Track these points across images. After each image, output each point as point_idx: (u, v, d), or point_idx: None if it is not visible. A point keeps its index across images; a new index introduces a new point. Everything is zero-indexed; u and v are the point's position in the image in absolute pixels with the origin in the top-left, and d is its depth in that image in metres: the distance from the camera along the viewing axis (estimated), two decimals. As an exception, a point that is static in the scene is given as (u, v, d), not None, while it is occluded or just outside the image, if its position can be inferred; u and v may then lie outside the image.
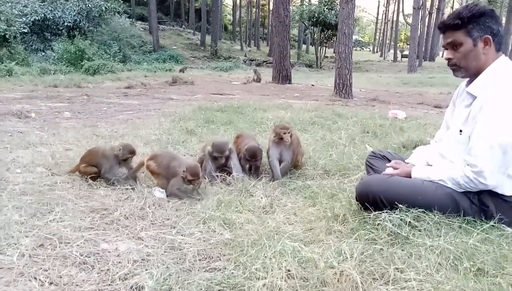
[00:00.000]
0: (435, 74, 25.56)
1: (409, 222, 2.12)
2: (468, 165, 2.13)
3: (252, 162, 3.41)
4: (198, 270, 1.88)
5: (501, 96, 2.08)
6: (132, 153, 3.17)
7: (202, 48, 36.73)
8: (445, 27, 2.27)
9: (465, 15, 2.18)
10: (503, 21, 35.78)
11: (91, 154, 3.25)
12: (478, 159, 2.08)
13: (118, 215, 2.49)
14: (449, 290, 1.60)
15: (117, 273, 1.81)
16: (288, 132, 3.37)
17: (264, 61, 33.20)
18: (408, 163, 2.61)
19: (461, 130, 2.27)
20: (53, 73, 16.19)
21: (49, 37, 22.98)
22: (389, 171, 2.48)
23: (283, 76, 15.01)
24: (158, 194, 2.91)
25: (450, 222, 2.14)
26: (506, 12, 32.81)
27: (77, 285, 1.73)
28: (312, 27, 31.93)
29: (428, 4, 40.01)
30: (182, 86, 13.08)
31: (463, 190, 2.20)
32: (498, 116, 2.07)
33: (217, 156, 3.29)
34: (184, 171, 2.87)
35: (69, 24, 22.40)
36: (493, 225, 2.10)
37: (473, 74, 2.29)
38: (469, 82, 2.34)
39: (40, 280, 1.75)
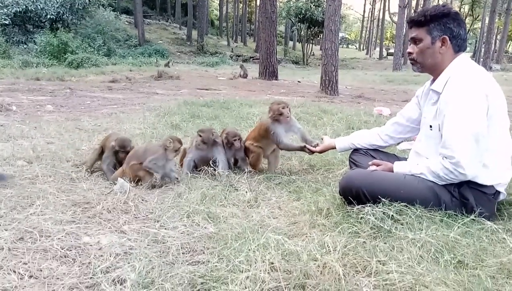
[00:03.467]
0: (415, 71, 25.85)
1: (392, 215, 2.15)
2: (445, 157, 2.18)
3: (233, 145, 3.32)
4: (182, 263, 1.86)
5: (463, 88, 2.16)
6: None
7: (188, 43, 36.48)
8: (411, 22, 2.40)
9: (430, 13, 2.30)
10: (486, 21, 36.43)
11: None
12: (454, 150, 2.14)
13: (100, 208, 2.46)
14: (430, 281, 1.62)
15: (98, 266, 1.79)
16: (287, 107, 3.19)
17: (250, 57, 33.18)
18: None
19: (431, 126, 2.36)
20: (35, 66, 15.91)
21: (31, 29, 22.54)
22: (372, 168, 2.53)
23: (269, 72, 15.02)
24: (120, 184, 2.82)
25: (432, 216, 2.17)
26: (489, 12, 33.32)
27: (57, 278, 1.70)
28: (299, 23, 32.02)
29: (414, 3, 40.41)
30: (168, 81, 12.98)
31: (444, 183, 2.25)
32: (464, 107, 2.14)
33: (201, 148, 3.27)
34: (170, 141, 2.96)
35: (52, 16, 21.98)
36: (473, 219, 2.14)
37: (429, 71, 2.43)
38: (432, 81, 2.45)
39: (19, 273, 1.71)
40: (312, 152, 3.20)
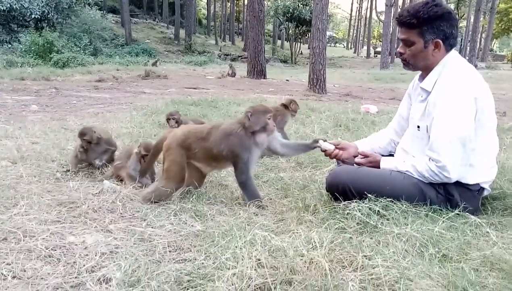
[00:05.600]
0: (407, 70, 26.09)
1: (378, 211, 2.16)
2: (431, 159, 2.19)
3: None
4: (168, 261, 1.86)
5: (452, 91, 2.16)
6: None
7: (176, 42, 36.27)
8: (401, 23, 2.30)
9: (422, 16, 2.20)
10: (471, 20, 36.95)
11: None
12: (440, 154, 2.15)
13: (86, 208, 2.43)
14: (415, 275, 1.64)
15: (84, 265, 1.77)
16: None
17: (239, 56, 33.13)
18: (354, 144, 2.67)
19: (418, 126, 2.35)
20: (20, 66, 15.66)
21: (15, 28, 22.17)
22: (358, 159, 2.52)
23: (257, 71, 15.02)
24: (107, 184, 2.83)
25: (417, 211, 2.20)
26: (474, 11, 33.79)
27: (41, 278, 1.68)
28: (287, 22, 32.06)
29: (400, 1, 40.78)
30: (155, 80, 12.89)
31: (426, 181, 2.27)
32: (452, 110, 2.14)
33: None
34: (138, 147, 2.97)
35: (36, 15, 21.63)
36: (458, 213, 2.17)
37: (421, 70, 2.40)
38: (421, 77, 2.42)
39: (2, 274, 1.68)
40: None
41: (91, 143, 3.20)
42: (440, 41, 2.24)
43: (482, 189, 2.32)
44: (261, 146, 2.63)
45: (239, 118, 2.70)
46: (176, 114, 4.05)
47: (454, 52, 2.32)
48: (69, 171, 3.19)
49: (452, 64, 2.27)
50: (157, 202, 2.57)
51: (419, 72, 2.47)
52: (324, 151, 2.58)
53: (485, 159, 2.28)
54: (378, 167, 2.43)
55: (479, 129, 2.18)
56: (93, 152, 3.26)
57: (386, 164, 2.42)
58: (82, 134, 3.20)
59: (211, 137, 2.60)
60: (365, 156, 2.52)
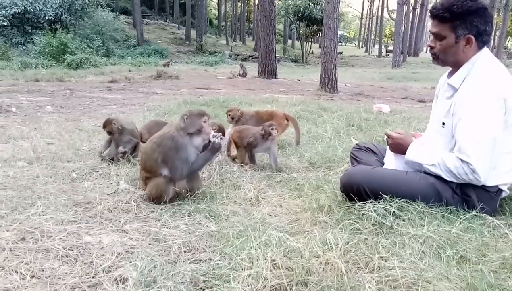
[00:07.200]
0: (419, 69, 25.88)
1: (393, 211, 2.14)
2: (462, 161, 2.12)
3: None
4: (183, 261, 1.86)
5: (481, 90, 2.11)
6: None
7: (187, 42, 36.45)
8: (434, 16, 2.25)
9: (455, 10, 2.15)
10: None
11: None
12: (470, 156, 2.09)
13: (101, 208, 2.45)
14: (432, 277, 1.62)
15: (100, 265, 1.79)
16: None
17: (250, 56, 33.13)
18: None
19: (443, 123, 2.29)
20: (35, 67, 15.88)
21: (30, 30, 22.50)
22: (389, 131, 2.49)
23: (269, 71, 15.01)
24: (123, 185, 2.86)
25: (433, 212, 2.17)
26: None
27: (59, 278, 1.70)
28: (297, 22, 31.93)
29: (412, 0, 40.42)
30: (167, 81, 12.98)
31: (453, 180, 2.20)
32: (481, 111, 2.09)
33: None
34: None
35: (50, 17, 21.93)
36: (475, 214, 2.14)
37: (451, 66, 2.34)
38: (450, 74, 2.36)
39: (21, 273, 1.71)
40: None
41: (113, 134, 3.47)
42: (472, 37, 2.17)
43: (500, 190, 2.28)
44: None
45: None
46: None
47: (486, 50, 2.24)
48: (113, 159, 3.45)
49: (482, 63, 2.20)
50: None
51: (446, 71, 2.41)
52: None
53: (507, 161, 2.22)
54: (405, 152, 2.37)
55: (505, 130, 2.13)
56: (118, 142, 3.49)
57: (412, 153, 2.34)
58: (103, 126, 3.50)
59: None
60: (398, 133, 2.46)
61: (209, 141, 2.68)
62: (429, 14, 2.34)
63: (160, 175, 2.61)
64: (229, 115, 4.21)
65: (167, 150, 2.59)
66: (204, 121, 2.66)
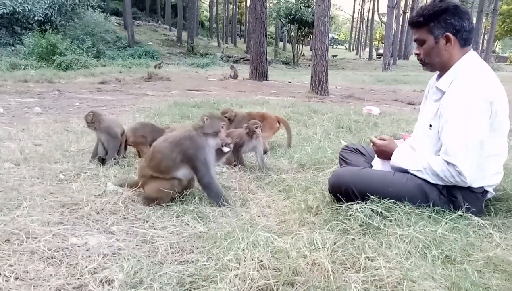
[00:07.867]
0: (409, 72, 26.10)
1: (380, 212, 2.16)
2: (448, 163, 2.15)
3: None
4: (171, 262, 1.86)
5: (467, 94, 2.13)
6: None
7: (179, 44, 36.34)
8: (411, 24, 2.34)
9: (427, 12, 2.24)
10: (474, 21, 36.85)
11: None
12: (456, 158, 2.11)
13: (89, 209, 2.43)
14: (418, 276, 1.63)
15: (86, 267, 1.77)
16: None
17: (241, 58, 33.15)
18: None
19: (431, 125, 2.31)
20: (23, 68, 15.72)
21: (19, 31, 22.23)
22: (373, 138, 2.52)
23: (260, 73, 15.03)
24: (111, 186, 2.84)
25: (420, 212, 2.18)
26: (476, 12, 33.74)
27: (44, 279, 1.68)
28: (289, 24, 32.04)
29: (402, 3, 40.79)
30: (158, 82, 12.93)
31: (440, 183, 2.23)
32: (468, 114, 2.11)
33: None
34: None
35: (40, 18, 21.67)
36: (460, 215, 2.16)
37: (439, 69, 2.37)
38: (439, 77, 2.39)
39: (5, 275, 1.68)
40: None
41: (90, 127, 3.55)
42: (450, 35, 2.22)
43: (486, 191, 2.31)
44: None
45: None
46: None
47: (473, 53, 2.29)
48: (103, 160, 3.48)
49: (469, 66, 2.23)
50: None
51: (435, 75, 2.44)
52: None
53: (493, 164, 2.25)
54: (390, 157, 2.40)
55: (491, 133, 2.16)
56: (103, 141, 3.54)
57: (397, 158, 2.37)
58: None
59: None
60: (383, 140, 2.50)
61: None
62: (408, 25, 2.41)
63: (172, 177, 2.60)
64: (225, 116, 4.18)
65: (186, 149, 2.58)
66: (222, 126, 2.67)
